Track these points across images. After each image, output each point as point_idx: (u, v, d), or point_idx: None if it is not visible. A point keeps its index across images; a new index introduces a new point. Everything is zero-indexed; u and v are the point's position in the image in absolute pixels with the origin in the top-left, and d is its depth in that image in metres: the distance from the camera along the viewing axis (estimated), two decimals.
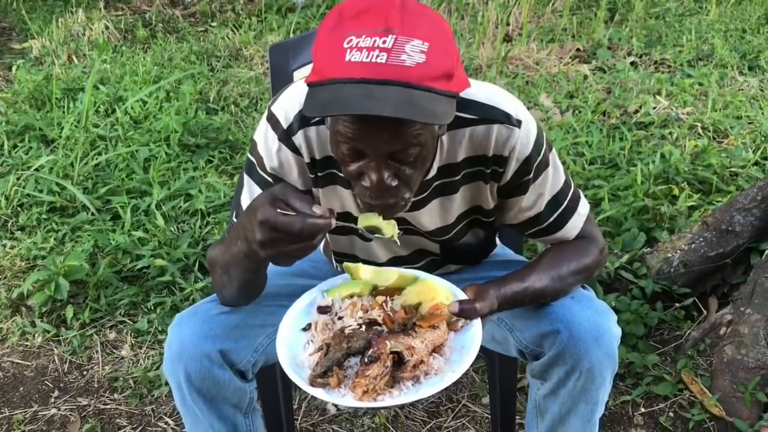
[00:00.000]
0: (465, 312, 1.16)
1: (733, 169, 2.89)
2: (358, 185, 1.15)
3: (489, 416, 2.05)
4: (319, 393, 1.10)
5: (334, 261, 1.55)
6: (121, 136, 3.48)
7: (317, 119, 1.26)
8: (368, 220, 1.15)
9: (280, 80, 1.92)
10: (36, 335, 2.39)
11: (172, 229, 2.77)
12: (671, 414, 2.02)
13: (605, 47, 4.89)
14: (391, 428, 2.03)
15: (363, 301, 1.21)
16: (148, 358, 2.29)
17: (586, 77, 4.33)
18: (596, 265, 1.38)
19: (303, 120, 1.26)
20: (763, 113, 3.60)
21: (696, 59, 4.63)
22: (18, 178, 3.11)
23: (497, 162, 1.28)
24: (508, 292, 1.23)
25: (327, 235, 1.49)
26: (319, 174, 1.31)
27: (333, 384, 1.10)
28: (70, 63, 4.77)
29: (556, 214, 1.35)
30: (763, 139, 3.17)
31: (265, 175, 1.31)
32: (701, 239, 2.31)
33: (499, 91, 1.28)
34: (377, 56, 1.02)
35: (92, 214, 2.89)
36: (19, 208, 3.01)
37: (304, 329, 1.22)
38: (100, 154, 3.30)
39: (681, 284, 2.30)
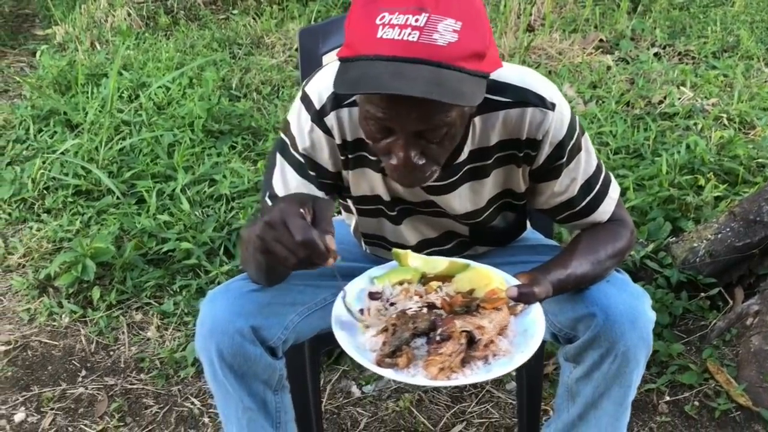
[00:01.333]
0: (524, 296, 1.16)
1: (760, 160, 2.87)
2: (386, 159, 1.16)
3: (513, 402, 2.05)
4: (387, 372, 1.09)
5: (363, 243, 1.55)
6: (146, 122, 3.50)
7: (350, 100, 1.26)
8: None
9: (310, 64, 1.93)
10: (63, 316, 2.42)
11: (197, 213, 2.79)
12: (696, 403, 2.01)
13: (628, 38, 4.85)
14: (416, 412, 2.03)
15: (414, 287, 1.21)
16: (174, 340, 2.31)
17: (609, 68, 4.30)
18: (629, 248, 1.38)
19: (336, 101, 1.26)
20: None
21: (721, 51, 4.59)
22: (44, 162, 3.14)
23: (530, 145, 1.28)
24: (555, 278, 1.23)
25: (356, 217, 1.49)
26: (350, 156, 1.32)
27: (402, 364, 1.09)
28: (93, 49, 4.80)
29: (588, 198, 1.35)
30: None
31: (297, 156, 1.31)
32: (728, 229, 2.29)
33: (532, 73, 1.28)
34: (409, 34, 1.02)
35: (117, 197, 2.92)
36: (45, 191, 3.04)
37: (360, 311, 1.22)
38: (124, 138, 3.32)
39: (707, 274, 2.29)
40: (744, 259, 2.30)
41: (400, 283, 1.23)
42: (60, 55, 4.59)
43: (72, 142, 3.21)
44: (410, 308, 1.16)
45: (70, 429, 2.03)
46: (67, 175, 3.06)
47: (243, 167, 3.08)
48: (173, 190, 2.94)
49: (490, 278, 1.19)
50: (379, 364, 1.10)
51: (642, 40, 4.85)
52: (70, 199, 2.96)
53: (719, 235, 2.29)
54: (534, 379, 1.76)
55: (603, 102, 3.71)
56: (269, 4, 5.65)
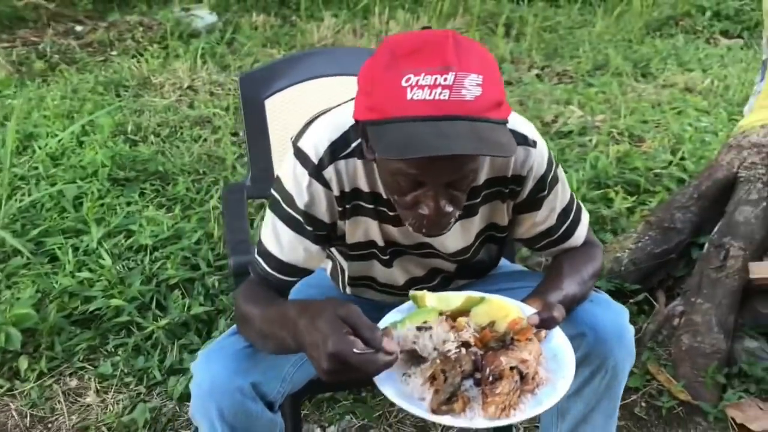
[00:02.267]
0: (546, 322, 1.20)
1: (656, 171, 3.11)
2: (413, 213, 1.19)
3: None
4: (445, 420, 1.10)
5: (345, 286, 1.56)
6: (43, 175, 3.31)
7: (346, 152, 1.28)
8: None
9: (253, 109, 1.94)
10: None
11: (118, 267, 2.67)
12: (643, 404, 2.15)
13: (509, 62, 5.12)
14: None
15: (437, 327, 1.21)
16: (117, 403, 2.19)
17: None
18: (602, 266, 1.47)
19: (333, 154, 1.28)
20: (665, 117, 3.89)
21: (594, 69, 4.93)
22: None
23: (516, 181, 1.34)
24: (559, 300, 1.29)
25: (342, 261, 1.50)
26: (347, 206, 1.33)
27: (458, 409, 1.10)
28: None
29: (565, 226, 1.43)
30: (675, 140, 3.43)
31: (293, 212, 1.31)
32: (646, 237, 2.47)
33: (514, 115, 1.35)
34: (440, 93, 1.05)
35: (27, 258, 2.74)
36: None
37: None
38: (23, 194, 3.13)
39: (631, 281, 2.45)
40: (663, 264, 2.48)
41: (424, 324, 1.23)
42: None
43: None
44: (449, 351, 1.17)
45: None
46: None
47: (160, 214, 2.98)
48: (87, 245, 2.80)
49: (507, 309, 1.23)
50: (435, 411, 1.10)
51: (521, 63, 5.14)
52: None
53: (639, 244, 2.47)
54: None
55: None
56: (150, 43, 5.50)
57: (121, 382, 2.26)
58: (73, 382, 2.28)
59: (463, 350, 1.17)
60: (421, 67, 1.06)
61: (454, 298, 1.27)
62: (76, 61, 5.28)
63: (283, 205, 1.31)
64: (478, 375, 1.15)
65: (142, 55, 5.24)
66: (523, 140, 1.31)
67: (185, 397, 2.19)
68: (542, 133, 3.70)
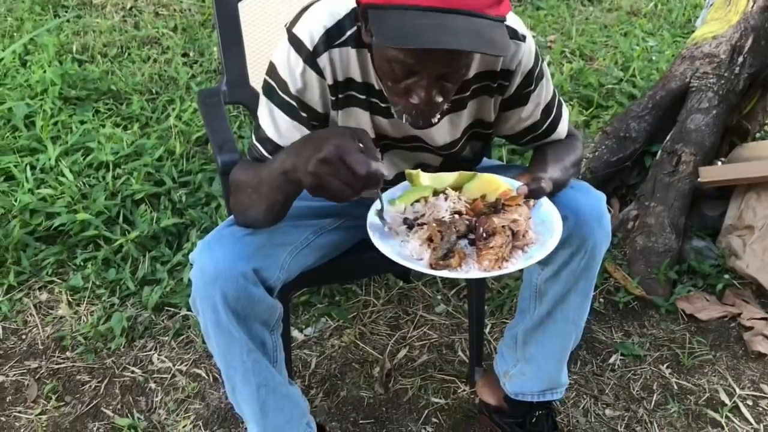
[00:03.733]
0: (535, 192, 1.28)
1: (608, 86, 3.21)
2: (403, 101, 1.22)
3: (445, 322, 2.21)
4: (443, 273, 1.18)
5: None
6: None
7: (341, 40, 1.30)
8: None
9: (226, 14, 1.92)
10: None
11: (79, 183, 2.63)
12: (602, 300, 2.28)
13: None
14: (361, 344, 2.12)
15: (431, 202, 1.29)
16: (91, 314, 2.20)
17: None
18: (582, 156, 1.55)
19: (327, 41, 1.29)
20: (613, 38, 3.98)
21: None
22: None
23: (504, 76, 1.38)
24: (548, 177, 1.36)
25: None
26: (340, 96, 1.35)
27: (455, 264, 1.18)
28: None
29: (549, 120, 1.49)
30: (624, 59, 3.53)
31: (288, 98, 1.32)
32: (603, 147, 2.57)
33: None
34: None
35: None
36: None
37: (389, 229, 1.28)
38: None
39: None
40: (618, 172, 2.59)
41: (417, 201, 1.30)
42: None
43: None
44: (443, 216, 1.25)
45: (2, 419, 1.89)
46: None
47: (118, 132, 2.93)
48: (44, 163, 2.74)
49: (497, 183, 1.30)
50: (434, 267, 1.18)
51: None
52: None
53: (596, 153, 2.57)
54: (481, 290, 1.92)
55: None
56: None
57: (93, 294, 2.26)
58: (44, 296, 2.27)
59: (456, 216, 1.25)
60: None
61: (447, 176, 1.34)
62: None
63: (279, 92, 1.33)
64: (472, 236, 1.24)
65: None
66: (513, 35, 1.33)
67: (161, 306, 2.22)
68: None
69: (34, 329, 2.17)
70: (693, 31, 2.80)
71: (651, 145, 2.58)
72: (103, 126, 3.01)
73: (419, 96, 1.19)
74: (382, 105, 1.37)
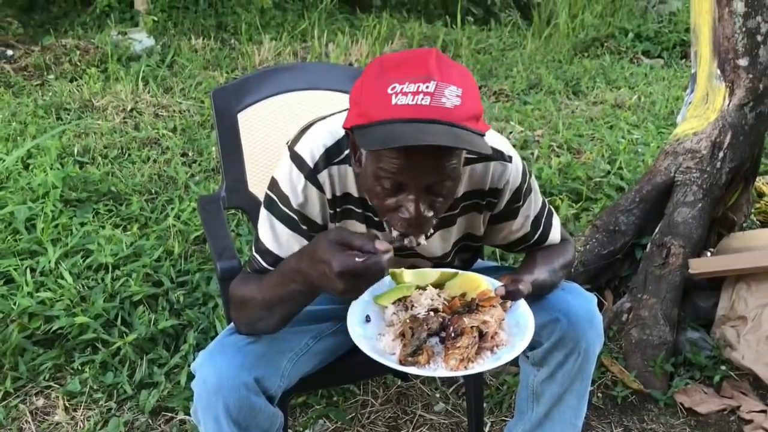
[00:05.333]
0: (511, 294, 1.32)
1: (596, 179, 3.30)
2: (394, 216, 1.27)
3: (444, 421, 2.20)
4: (411, 370, 1.22)
5: None
6: None
7: (340, 158, 1.37)
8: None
9: (226, 123, 1.99)
10: None
11: (78, 286, 2.66)
12: (600, 394, 2.28)
13: None
14: None
15: (413, 298, 1.34)
16: (87, 419, 2.18)
17: None
18: (573, 260, 1.59)
19: (328, 159, 1.37)
20: (599, 131, 4.12)
21: (528, 88, 5.16)
22: None
23: (493, 194, 1.45)
24: (528, 279, 1.39)
25: None
26: (338, 209, 1.42)
27: (423, 361, 1.23)
28: None
29: (540, 231, 1.55)
30: (611, 152, 3.64)
31: (288, 211, 1.38)
32: (594, 240, 2.63)
33: (490, 131, 1.46)
34: (422, 99, 1.14)
35: None
36: None
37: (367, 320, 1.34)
38: None
39: (582, 282, 2.58)
40: (609, 265, 2.64)
41: (400, 300, 1.35)
42: None
43: None
44: (419, 313, 1.30)
45: None
46: None
47: (117, 233, 2.98)
48: (44, 267, 2.77)
49: (478, 282, 1.35)
50: (403, 363, 1.23)
51: None
52: None
53: (587, 246, 2.62)
54: (478, 388, 1.92)
55: None
56: (88, 66, 5.45)
57: (90, 399, 2.25)
58: (40, 401, 2.26)
59: (432, 314, 1.30)
60: (405, 77, 1.15)
61: (430, 273, 1.39)
62: (12, 85, 5.18)
63: (280, 205, 1.39)
64: (443, 334, 1.28)
65: (81, 78, 5.20)
66: (499, 156, 1.41)
67: (158, 410, 2.21)
68: None
69: None
70: (675, 123, 2.91)
71: (641, 238, 2.63)
72: (103, 227, 3.06)
73: (408, 210, 1.23)
74: (376, 219, 1.43)
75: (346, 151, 1.37)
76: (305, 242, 1.39)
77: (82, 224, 3.10)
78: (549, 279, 1.47)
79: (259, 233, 1.42)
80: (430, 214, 1.25)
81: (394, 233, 1.30)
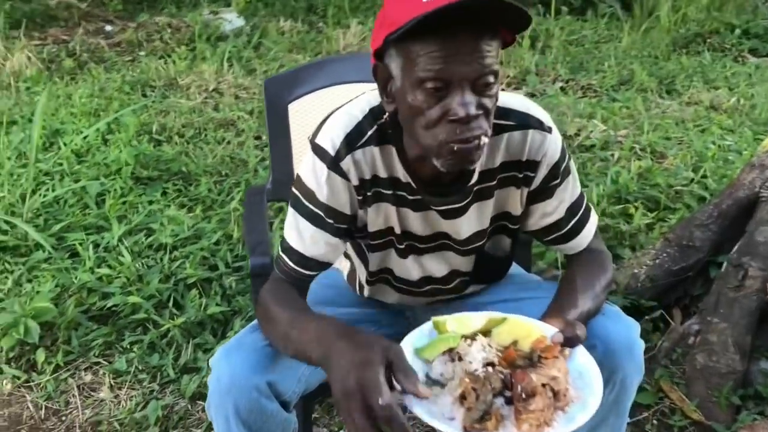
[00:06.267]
0: (570, 341, 1.20)
1: (677, 188, 3.09)
2: (441, 128, 1.18)
3: None
4: None
5: (363, 287, 1.57)
6: (67, 171, 3.37)
7: (362, 141, 1.31)
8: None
9: (276, 113, 1.96)
10: (5, 382, 2.27)
11: (137, 264, 2.70)
12: (655, 422, 2.13)
13: (533, 74, 5.11)
14: None
15: (461, 350, 1.19)
16: (130, 399, 2.22)
17: None
18: (613, 278, 1.47)
19: (349, 145, 1.31)
20: (688, 134, 3.86)
21: (619, 84, 4.91)
22: None
23: (530, 167, 1.35)
24: (578, 317, 1.28)
25: (357, 258, 1.52)
26: (367, 194, 1.36)
27: (491, 427, 1.09)
28: None
29: (574, 221, 1.43)
30: (697, 158, 3.40)
31: (313, 207, 1.34)
32: (664, 254, 2.45)
33: (530, 101, 1.38)
34: None
35: (48, 252, 2.78)
36: None
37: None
38: (48, 189, 3.18)
39: (648, 298, 2.43)
40: (680, 282, 2.46)
41: (446, 353, 1.20)
42: None
43: None
44: (476, 370, 1.15)
45: None
46: None
47: (181, 214, 3.02)
48: (108, 242, 2.84)
49: (529, 328, 1.22)
50: (468, 430, 1.08)
51: (546, 76, 5.12)
52: None
53: (657, 261, 2.45)
54: None
55: None
56: (177, 45, 5.58)
57: (134, 379, 2.29)
58: (88, 377, 2.31)
59: (490, 369, 1.15)
60: None
61: (474, 320, 1.25)
62: (105, 60, 5.36)
63: (304, 202, 1.34)
64: (507, 393, 1.13)
65: (169, 56, 5.31)
66: (538, 125, 1.33)
67: (198, 395, 2.21)
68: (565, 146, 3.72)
69: (74, 411, 2.20)
70: None
71: (716, 256, 2.44)
72: (169, 207, 3.11)
73: (456, 110, 1.15)
74: (410, 197, 1.36)
75: (369, 132, 1.31)
76: (330, 238, 1.35)
77: (150, 202, 3.16)
78: (593, 307, 1.35)
79: (285, 232, 1.39)
80: (480, 112, 1.16)
81: (442, 165, 1.21)
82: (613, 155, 3.53)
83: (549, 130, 1.34)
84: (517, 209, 1.43)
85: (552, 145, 1.34)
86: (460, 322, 1.24)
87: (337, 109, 1.38)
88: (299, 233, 1.36)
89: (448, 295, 1.55)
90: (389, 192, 1.36)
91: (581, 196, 1.45)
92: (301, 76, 1.94)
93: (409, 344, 1.21)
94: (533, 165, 1.35)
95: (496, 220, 1.44)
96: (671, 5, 6.60)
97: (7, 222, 2.91)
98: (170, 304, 2.52)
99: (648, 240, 2.64)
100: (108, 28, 6.24)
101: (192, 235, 2.88)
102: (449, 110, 1.16)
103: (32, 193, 3.11)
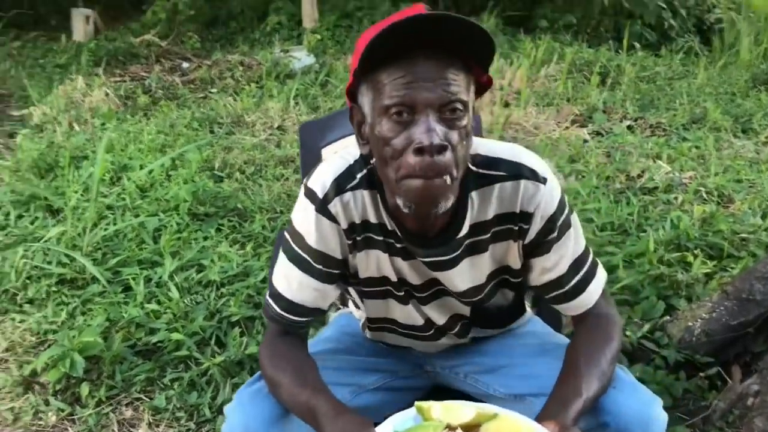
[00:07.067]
0: None
1: (742, 235, 2.93)
2: (405, 158, 1.15)
3: None
4: None
5: (367, 330, 1.54)
6: (129, 206, 3.48)
7: (352, 184, 1.29)
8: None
9: (310, 156, 1.97)
10: (50, 414, 2.33)
11: (185, 301, 2.75)
12: None
13: (600, 111, 5.00)
14: None
15: None
16: None
17: (585, 141, 4.41)
18: (621, 346, 1.38)
19: (338, 187, 1.29)
20: (762, 177, 3.67)
21: (690, 122, 4.74)
22: (26, 250, 3.08)
23: (523, 218, 1.30)
24: (576, 412, 1.20)
25: (359, 302, 1.49)
26: (357, 238, 1.32)
27: None
28: (72, 130, 4.79)
29: (577, 278, 1.35)
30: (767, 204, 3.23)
31: (302, 252, 1.31)
32: (722, 308, 2.32)
33: (523, 149, 1.33)
34: (405, 14, 1.14)
35: (103, 286, 2.86)
36: (27, 281, 2.97)
37: None
38: (108, 224, 3.28)
39: (704, 353, 2.30)
40: (739, 338, 2.31)
41: None
42: (38, 137, 4.57)
43: (56, 231, 3.16)
44: None
45: None
46: (50, 263, 3.00)
47: (231, 251, 3.06)
48: (160, 277, 2.90)
49: (518, 429, 1.15)
50: None
51: (614, 113, 5.00)
52: (53, 289, 2.89)
53: (714, 314, 2.32)
54: None
55: (583, 176, 3.78)
56: (247, 82, 5.73)
57: (172, 417, 2.30)
58: (129, 412, 2.34)
59: None
60: (397, 18, 1.12)
61: (464, 411, 1.18)
62: (178, 97, 5.56)
63: (293, 246, 1.32)
64: None
65: (239, 93, 5.46)
66: (531, 175, 1.27)
67: None
68: (626, 188, 3.61)
69: None
70: None
71: None
72: (221, 243, 3.16)
73: (420, 138, 1.12)
74: (398, 246, 1.33)
75: (359, 175, 1.29)
76: (319, 284, 1.33)
77: (205, 238, 3.22)
78: (599, 387, 1.25)
79: (273, 276, 1.37)
80: (445, 143, 1.13)
81: (404, 204, 1.18)
82: (676, 198, 3.39)
83: (543, 180, 1.28)
84: (516, 263, 1.36)
85: (546, 197, 1.28)
86: (448, 410, 1.17)
87: (334, 153, 1.37)
88: (287, 279, 1.34)
89: (455, 339, 1.50)
90: (380, 238, 1.32)
91: (586, 251, 1.37)
92: (335, 121, 1.94)
93: (390, 427, 1.16)
94: (526, 217, 1.29)
95: (497, 274, 1.38)
96: (753, 39, 6.38)
97: (67, 255, 3.02)
98: (212, 341, 2.54)
99: (705, 291, 2.50)
100: (184, 65, 6.49)
101: (240, 272, 2.91)
102: (413, 139, 1.13)
103: (94, 226, 3.22)
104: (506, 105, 5.09)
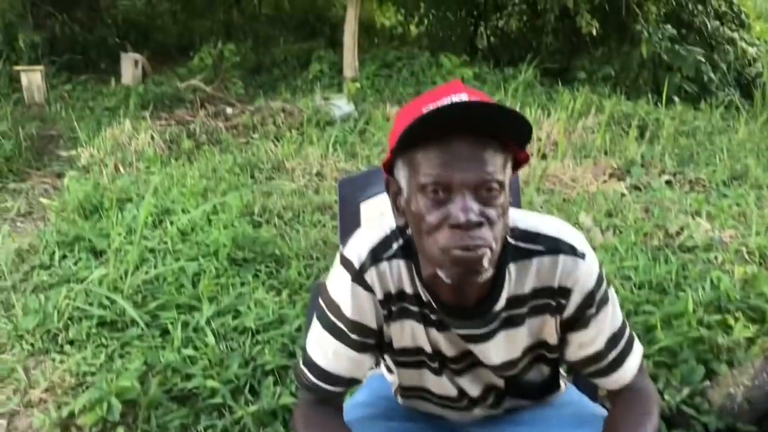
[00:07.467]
0: None
1: None
2: (442, 233, 1.16)
3: None
4: None
5: (400, 397, 1.54)
6: (170, 249, 3.54)
7: (389, 254, 1.29)
8: None
9: (348, 211, 2.00)
10: None
11: (221, 347, 2.78)
12: None
13: (639, 165, 4.98)
14: None
15: None
16: None
17: (623, 195, 4.39)
18: (659, 423, 1.36)
19: (374, 257, 1.29)
20: None
21: (730, 179, 4.69)
22: (69, 291, 3.15)
23: (562, 294, 1.29)
24: None
25: (394, 369, 1.49)
26: (393, 308, 1.32)
27: None
28: (117, 172, 4.92)
29: (615, 353, 1.34)
30: None
31: (337, 321, 1.32)
32: (765, 374, 2.27)
33: (563, 224, 1.33)
34: (448, 100, 1.16)
35: (141, 329, 2.91)
36: (69, 322, 3.03)
37: None
38: (149, 267, 3.35)
39: (746, 421, 2.24)
40: None
41: None
42: (85, 178, 4.70)
43: (98, 273, 3.23)
44: None
45: None
46: (91, 304, 3.06)
47: (267, 297, 3.09)
48: (197, 322, 2.94)
49: None
50: None
51: (652, 167, 4.98)
52: (93, 330, 2.95)
53: (756, 381, 2.27)
54: None
55: (620, 232, 3.75)
56: (288, 129, 5.85)
57: None
58: None
59: None
60: (435, 99, 1.18)
61: None
62: (221, 142, 5.69)
63: (328, 314, 1.33)
64: None
65: (280, 139, 5.57)
66: (570, 250, 1.27)
67: None
68: (664, 245, 3.57)
69: None
70: None
71: None
72: (257, 289, 3.20)
73: (457, 215, 1.14)
74: (433, 317, 1.33)
75: (395, 245, 1.29)
76: (353, 354, 1.33)
77: (242, 284, 3.27)
78: None
79: (307, 344, 1.37)
80: (482, 220, 1.14)
81: (446, 274, 1.18)
82: (716, 258, 3.35)
83: (582, 255, 1.28)
84: (553, 338, 1.36)
85: (585, 272, 1.28)
86: None
87: (370, 221, 1.38)
88: (321, 347, 1.34)
89: (488, 410, 1.49)
90: (415, 309, 1.32)
91: (623, 325, 1.36)
92: (373, 177, 1.97)
93: None
94: (565, 292, 1.29)
95: (534, 349, 1.37)
96: None
97: (108, 298, 3.08)
98: (246, 389, 2.55)
99: (747, 356, 2.45)
100: (228, 110, 6.64)
101: (275, 319, 2.94)
102: (449, 215, 1.15)
103: (135, 269, 3.29)
104: (543, 157, 5.11)
